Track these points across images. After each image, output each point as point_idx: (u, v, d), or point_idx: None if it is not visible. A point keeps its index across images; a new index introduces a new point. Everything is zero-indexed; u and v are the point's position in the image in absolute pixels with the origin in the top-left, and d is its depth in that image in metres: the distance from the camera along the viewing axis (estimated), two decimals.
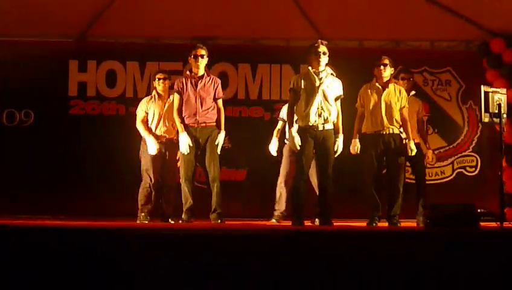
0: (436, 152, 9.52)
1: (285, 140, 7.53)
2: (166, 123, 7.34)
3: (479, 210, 6.19)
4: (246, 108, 9.51)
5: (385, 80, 6.93)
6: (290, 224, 6.61)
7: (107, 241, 4.42)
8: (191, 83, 7.05)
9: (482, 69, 9.47)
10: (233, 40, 9.56)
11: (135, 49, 9.55)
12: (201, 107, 7.01)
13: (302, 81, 6.57)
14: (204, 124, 7.01)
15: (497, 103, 6.63)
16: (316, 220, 7.13)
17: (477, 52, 9.59)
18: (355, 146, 6.97)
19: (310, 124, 6.51)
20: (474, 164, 9.66)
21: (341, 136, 6.61)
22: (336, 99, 6.60)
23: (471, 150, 9.69)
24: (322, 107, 6.51)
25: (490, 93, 6.64)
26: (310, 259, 4.20)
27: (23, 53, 9.28)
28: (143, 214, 7.29)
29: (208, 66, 7.24)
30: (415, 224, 7.33)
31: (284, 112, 7.77)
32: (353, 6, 8.62)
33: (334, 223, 6.60)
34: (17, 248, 4.14)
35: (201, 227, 6.14)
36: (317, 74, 6.54)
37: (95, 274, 3.92)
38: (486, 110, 6.63)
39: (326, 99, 6.52)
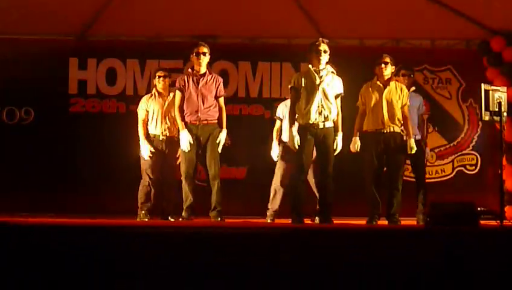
0: (436, 150, 9.54)
1: (280, 139, 7.58)
2: (167, 121, 7.34)
3: (479, 208, 6.19)
4: (246, 106, 9.51)
5: (386, 78, 6.92)
6: (290, 222, 6.61)
7: (107, 238, 4.43)
8: (193, 80, 7.05)
9: (483, 68, 9.47)
10: (234, 38, 9.56)
11: (135, 47, 9.55)
12: (203, 104, 7.01)
13: (303, 79, 6.58)
14: (206, 122, 7.02)
15: (498, 101, 6.62)
16: (316, 218, 7.13)
17: (478, 51, 9.58)
18: (356, 144, 6.97)
19: (311, 122, 6.51)
20: (474, 162, 9.66)
21: (340, 134, 6.62)
22: (336, 97, 6.61)
23: (471, 148, 9.69)
24: (322, 105, 6.51)
25: (490, 92, 6.64)
26: (309, 257, 4.20)
27: (23, 51, 9.28)
28: (143, 212, 7.29)
29: (209, 64, 7.23)
30: (415, 222, 7.33)
31: (280, 111, 7.77)
32: (354, 4, 8.62)
33: (334, 221, 6.61)
34: (16, 246, 4.14)
35: (202, 225, 6.14)
36: (318, 72, 6.54)
37: (95, 271, 3.93)
38: (487, 108, 6.63)
39: (326, 98, 6.53)
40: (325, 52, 6.53)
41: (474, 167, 9.66)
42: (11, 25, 8.91)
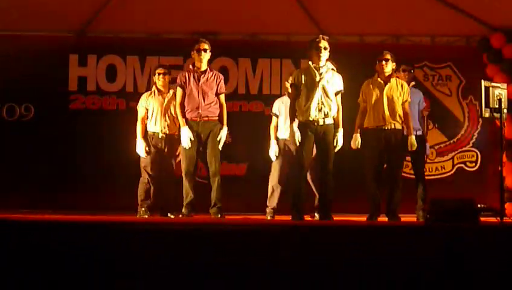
0: (436, 147, 9.54)
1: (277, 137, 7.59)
2: (167, 118, 7.33)
3: (478, 205, 6.19)
4: (246, 103, 9.51)
5: (387, 74, 6.92)
6: (290, 218, 6.61)
7: (107, 235, 4.43)
8: (194, 77, 7.05)
9: (483, 64, 9.47)
10: (234, 34, 9.56)
11: (135, 43, 9.55)
12: (204, 101, 7.01)
13: (303, 76, 6.58)
14: (206, 118, 7.02)
15: (498, 98, 6.63)
16: (315, 214, 7.12)
17: (478, 47, 9.58)
18: (356, 141, 6.97)
19: (310, 119, 6.51)
20: (474, 159, 9.66)
21: (341, 131, 6.61)
22: (336, 94, 6.60)
23: (471, 145, 9.69)
24: (322, 102, 6.51)
25: (490, 88, 6.64)
26: (309, 254, 4.20)
27: (23, 47, 9.27)
28: (143, 209, 7.29)
29: (209, 61, 7.23)
30: (415, 219, 7.33)
31: (276, 107, 7.76)
32: (354, 1, 8.63)
33: (334, 218, 6.61)
34: (15, 242, 4.14)
35: (202, 221, 6.14)
36: (318, 69, 6.54)
37: (95, 267, 3.93)
38: (487, 105, 6.63)
39: (326, 95, 6.53)
40: (325, 49, 6.53)
41: (474, 164, 9.66)
42: (11, 22, 8.90)
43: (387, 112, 6.84)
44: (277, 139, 7.65)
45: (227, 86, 8.25)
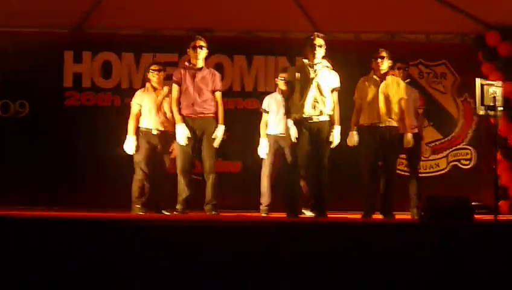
0: (431, 145, 9.55)
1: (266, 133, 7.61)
2: (160, 115, 7.32)
3: (473, 203, 6.21)
4: (242, 100, 9.50)
5: (383, 72, 6.93)
6: (285, 216, 6.62)
7: (102, 232, 4.42)
8: (189, 74, 7.04)
9: (478, 62, 9.48)
10: (229, 31, 9.55)
11: (131, 40, 9.52)
12: (199, 97, 7.00)
13: (297, 73, 6.57)
14: (202, 115, 7.01)
15: (492, 95, 6.62)
16: (304, 211, 7.19)
17: (473, 45, 9.59)
18: (353, 138, 6.97)
19: (305, 116, 6.51)
20: (469, 156, 9.67)
21: (337, 127, 6.60)
22: (332, 91, 6.60)
23: (466, 142, 9.70)
24: (316, 99, 6.51)
25: (485, 86, 6.63)
26: (304, 251, 4.21)
27: (18, 44, 9.23)
28: (137, 206, 7.28)
29: (205, 58, 7.21)
30: (409, 216, 7.34)
31: (266, 103, 7.77)
32: None
33: (329, 215, 6.61)
34: (12, 239, 4.13)
35: (196, 218, 6.14)
36: (312, 66, 6.54)
37: (92, 264, 3.93)
38: (482, 103, 6.62)
39: (320, 92, 6.52)
40: (320, 46, 6.53)
41: (468, 162, 9.68)
42: (6, 18, 8.86)
43: (382, 110, 6.85)
44: (267, 135, 7.66)
45: (222, 83, 8.24)
